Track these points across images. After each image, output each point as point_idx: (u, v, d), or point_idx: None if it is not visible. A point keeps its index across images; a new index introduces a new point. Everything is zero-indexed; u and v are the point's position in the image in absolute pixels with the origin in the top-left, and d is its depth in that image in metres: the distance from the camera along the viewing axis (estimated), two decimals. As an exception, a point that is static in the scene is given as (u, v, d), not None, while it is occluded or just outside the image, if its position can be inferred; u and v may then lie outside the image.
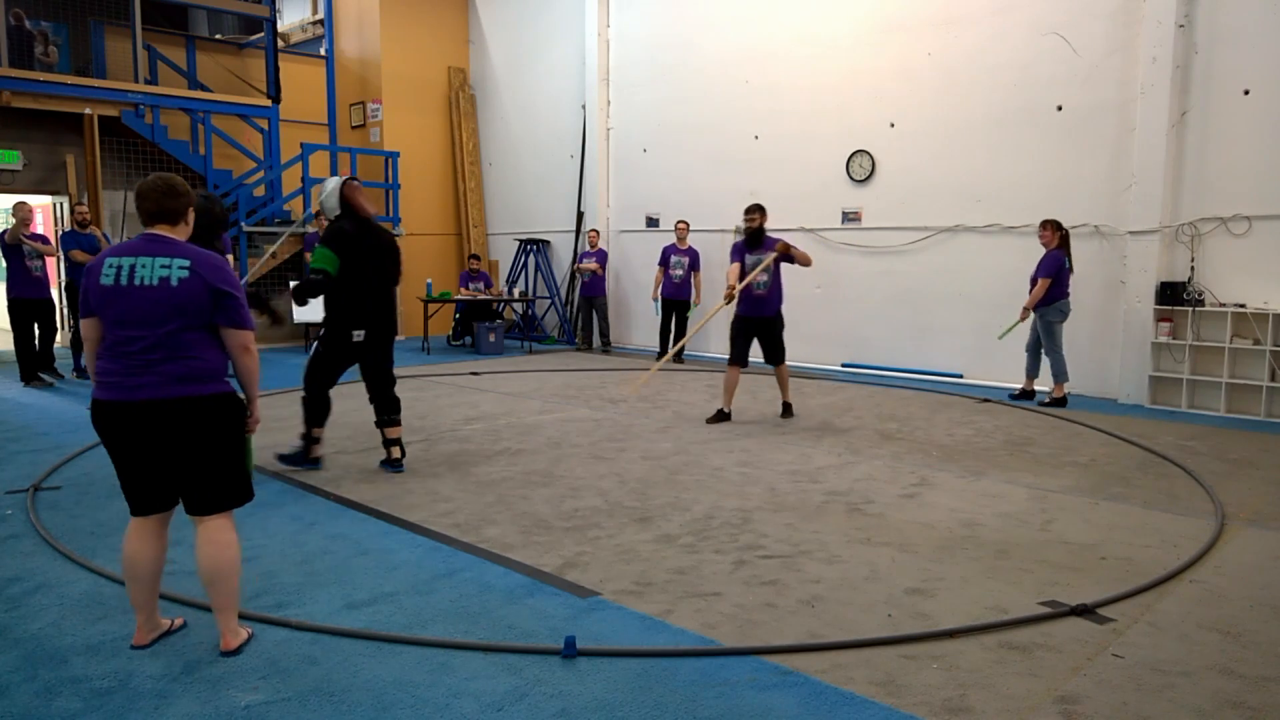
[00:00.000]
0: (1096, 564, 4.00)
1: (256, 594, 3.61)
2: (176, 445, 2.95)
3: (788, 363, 7.42)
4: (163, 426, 2.92)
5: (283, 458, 5.60)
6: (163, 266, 2.91)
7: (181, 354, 2.92)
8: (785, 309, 6.71)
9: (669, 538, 4.35)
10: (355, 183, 5.44)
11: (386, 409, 5.60)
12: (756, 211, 7.20)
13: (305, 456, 5.59)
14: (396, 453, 5.62)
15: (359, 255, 5.31)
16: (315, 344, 5.56)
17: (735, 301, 6.98)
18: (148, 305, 2.89)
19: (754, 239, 7.10)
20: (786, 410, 7.41)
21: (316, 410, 5.57)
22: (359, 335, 5.34)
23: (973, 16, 9.11)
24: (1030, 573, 3.88)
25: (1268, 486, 5.34)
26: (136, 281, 2.90)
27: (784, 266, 7.20)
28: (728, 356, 7.28)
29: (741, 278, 7.01)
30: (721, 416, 7.20)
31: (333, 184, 5.41)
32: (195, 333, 2.95)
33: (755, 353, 7.35)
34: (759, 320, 7.16)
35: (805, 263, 7.16)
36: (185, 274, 2.91)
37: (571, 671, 2.96)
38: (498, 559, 4.04)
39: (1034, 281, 7.96)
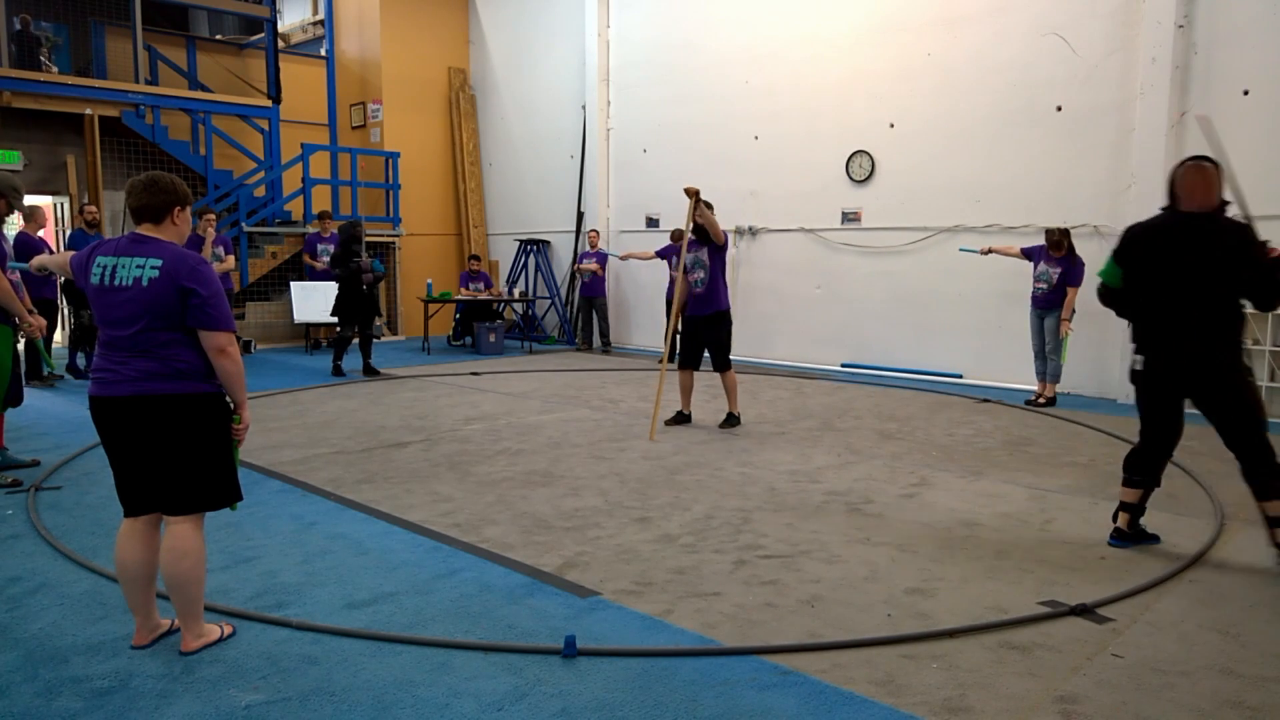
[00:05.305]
0: (1096, 564, 4.00)
1: (256, 594, 3.62)
2: (151, 442, 2.96)
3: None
4: (139, 422, 2.95)
5: (1121, 540, 4.26)
6: (138, 267, 2.93)
7: (157, 352, 2.93)
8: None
9: (669, 538, 4.35)
10: (1196, 165, 3.97)
11: (1258, 467, 3.93)
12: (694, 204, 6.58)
13: (1137, 533, 4.27)
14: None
15: (1156, 262, 3.97)
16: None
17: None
18: (124, 305, 2.93)
19: (699, 234, 6.73)
20: (729, 421, 6.98)
21: (1134, 465, 4.23)
22: (1137, 363, 4.07)
23: (973, 16, 9.11)
24: (1030, 573, 3.88)
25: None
26: (116, 282, 2.94)
27: (725, 261, 6.89)
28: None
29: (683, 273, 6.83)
30: (680, 418, 7.12)
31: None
32: (170, 332, 2.94)
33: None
34: (701, 319, 6.86)
35: (717, 236, 6.69)
36: (155, 274, 2.91)
37: (571, 671, 2.96)
38: (498, 559, 4.04)
39: (1040, 275, 7.96)
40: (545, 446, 6.32)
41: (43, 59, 11.49)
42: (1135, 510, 4.23)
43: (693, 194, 6.60)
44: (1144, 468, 4.18)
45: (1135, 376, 4.11)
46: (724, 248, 6.85)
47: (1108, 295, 4.20)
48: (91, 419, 3.04)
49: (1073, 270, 7.83)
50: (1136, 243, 4.06)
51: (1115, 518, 4.31)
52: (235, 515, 4.00)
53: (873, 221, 10.08)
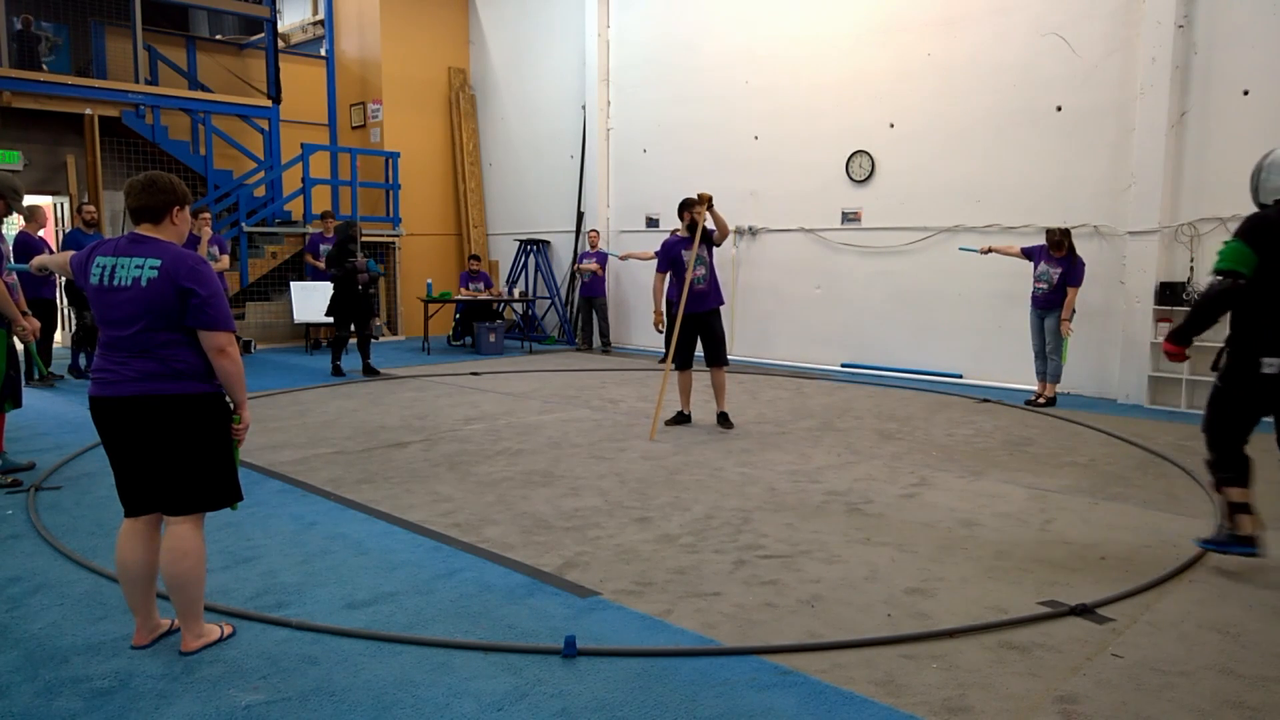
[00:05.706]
0: (1096, 564, 4.00)
1: (256, 594, 3.62)
2: (151, 442, 2.97)
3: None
4: (138, 423, 2.95)
5: (1204, 541, 4.00)
6: (137, 267, 2.93)
7: (157, 352, 2.94)
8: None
9: (669, 538, 4.35)
10: None
11: None
12: (689, 205, 6.86)
13: (1229, 533, 3.91)
14: None
15: None
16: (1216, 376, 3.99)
17: (682, 303, 6.80)
18: (123, 305, 2.93)
19: (701, 233, 6.81)
20: (722, 420, 6.97)
21: (1226, 465, 3.95)
22: (1271, 366, 3.71)
23: (973, 16, 9.11)
24: (1030, 573, 3.88)
25: (1267, 486, 5.30)
26: (116, 283, 2.94)
27: (717, 258, 6.90)
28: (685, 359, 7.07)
29: (680, 274, 6.83)
30: (681, 419, 7.14)
31: None
32: (169, 332, 2.94)
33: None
34: (703, 315, 6.92)
35: (726, 231, 6.93)
36: (154, 274, 2.91)
37: (571, 671, 2.97)
38: (498, 559, 4.04)
39: (1041, 275, 7.94)
40: (545, 446, 6.32)
41: (39, 57, 11.50)
42: (1250, 508, 3.88)
43: (706, 200, 6.70)
44: (1239, 462, 3.92)
45: (1264, 381, 3.73)
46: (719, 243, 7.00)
47: (1226, 294, 3.76)
48: (92, 419, 3.04)
49: (1073, 270, 7.83)
50: (1272, 230, 3.70)
51: (1233, 524, 3.89)
52: (235, 515, 4.00)
53: (873, 221, 10.08)
